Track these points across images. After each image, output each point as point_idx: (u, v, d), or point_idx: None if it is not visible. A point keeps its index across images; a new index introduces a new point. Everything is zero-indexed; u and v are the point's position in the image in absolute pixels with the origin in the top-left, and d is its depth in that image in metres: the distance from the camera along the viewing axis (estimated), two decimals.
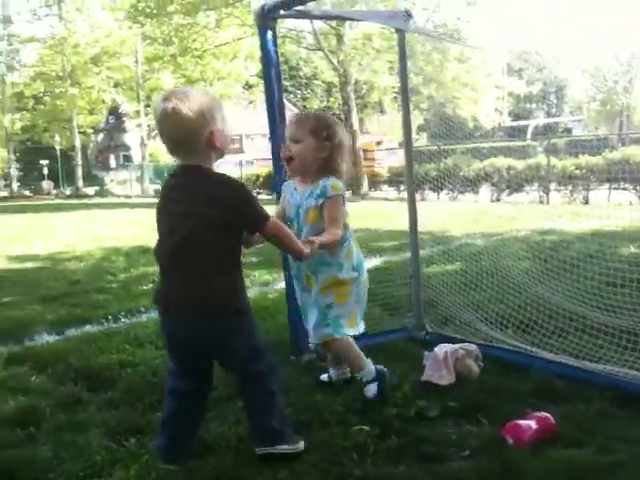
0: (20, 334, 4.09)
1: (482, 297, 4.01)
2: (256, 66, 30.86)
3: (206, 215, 2.20)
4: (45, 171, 43.76)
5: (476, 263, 4.43)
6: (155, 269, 6.04)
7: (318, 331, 2.85)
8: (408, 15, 3.50)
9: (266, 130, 3.42)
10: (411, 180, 3.65)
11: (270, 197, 22.66)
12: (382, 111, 37.55)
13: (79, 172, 39.88)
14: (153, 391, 2.92)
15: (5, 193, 42.81)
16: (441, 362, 3.02)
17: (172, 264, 2.27)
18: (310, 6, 3.50)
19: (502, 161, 13.26)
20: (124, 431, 2.57)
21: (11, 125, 41.21)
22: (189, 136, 2.21)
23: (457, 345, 3.16)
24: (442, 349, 3.10)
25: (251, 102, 34.80)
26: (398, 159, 23.84)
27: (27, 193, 41.18)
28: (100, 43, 34.41)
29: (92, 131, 45.78)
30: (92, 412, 2.82)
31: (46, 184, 42.87)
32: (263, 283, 5.57)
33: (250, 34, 23.42)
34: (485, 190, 13.24)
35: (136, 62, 34.44)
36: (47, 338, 4.02)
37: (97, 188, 39.42)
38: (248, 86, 33.33)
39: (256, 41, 23.06)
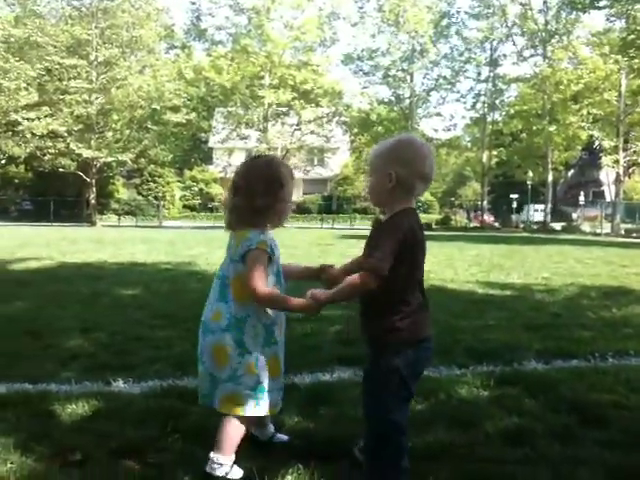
0: (508, 356, 4.28)
1: None
2: None
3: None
4: (514, 205, 45.56)
5: None
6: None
7: None
8: None
9: None
10: None
11: None
12: None
13: (547, 207, 40.29)
14: None
15: (476, 223, 46.03)
16: None
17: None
18: None
19: None
20: (627, 475, 2.46)
21: (488, 161, 44.21)
22: None
23: None
24: None
25: None
26: None
27: (496, 225, 43.49)
28: (583, 79, 34.25)
29: (563, 167, 45.88)
30: (587, 447, 2.77)
31: (515, 217, 44.56)
32: None
33: None
34: None
35: (619, 96, 33.14)
36: (535, 365, 4.11)
37: (564, 224, 39.23)
38: None
39: None
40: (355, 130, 46.40)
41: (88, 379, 3.67)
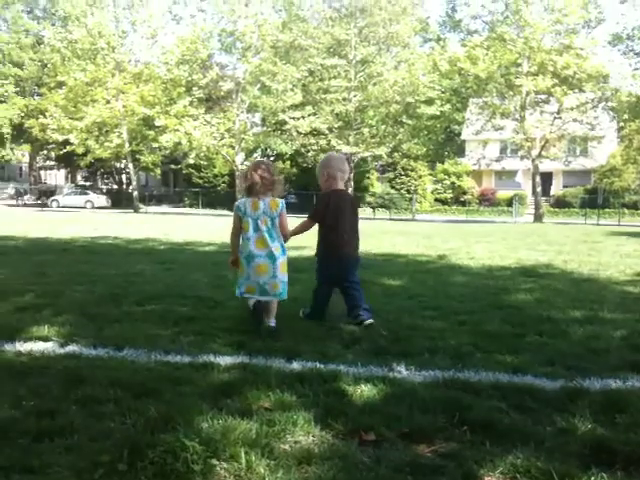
0: None
1: None
2: None
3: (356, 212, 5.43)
4: None
5: None
6: None
7: None
8: None
9: None
10: None
11: None
12: None
13: None
14: None
15: None
16: None
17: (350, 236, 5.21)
18: None
19: None
20: None
21: None
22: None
23: None
24: None
25: None
26: None
27: None
28: None
29: None
30: None
31: None
32: None
33: None
34: None
35: None
36: None
37: None
38: None
39: None
40: (625, 116, 42.28)
41: (371, 363, 3.83)
